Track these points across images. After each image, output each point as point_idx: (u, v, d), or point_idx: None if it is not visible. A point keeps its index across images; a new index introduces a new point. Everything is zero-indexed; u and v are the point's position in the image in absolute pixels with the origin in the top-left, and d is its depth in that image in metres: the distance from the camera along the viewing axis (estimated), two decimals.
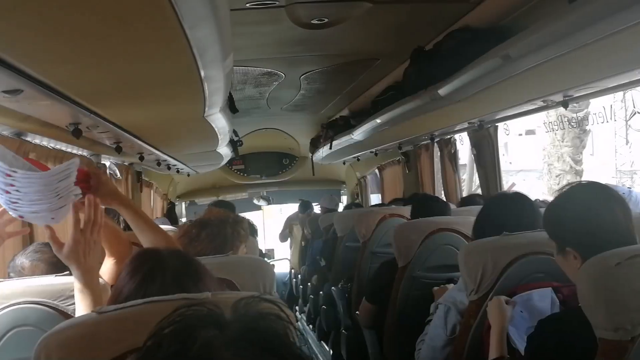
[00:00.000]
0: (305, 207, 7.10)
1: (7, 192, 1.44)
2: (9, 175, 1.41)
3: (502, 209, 2.20)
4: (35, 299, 1.68)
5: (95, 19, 1.17)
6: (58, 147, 3.08)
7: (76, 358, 1.01)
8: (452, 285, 2.46)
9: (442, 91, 2.55)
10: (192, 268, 1.21)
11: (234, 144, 5.17)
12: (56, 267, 1.83)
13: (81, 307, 1.51)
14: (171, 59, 1.49)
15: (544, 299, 1.78)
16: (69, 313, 1.67)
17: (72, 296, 1.69)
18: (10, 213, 1.52)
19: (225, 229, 1.92)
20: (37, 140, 2.78)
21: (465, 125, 3.69)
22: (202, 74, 1.63)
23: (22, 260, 1.84)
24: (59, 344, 1.01)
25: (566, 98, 2.58)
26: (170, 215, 6.55)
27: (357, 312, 3.48)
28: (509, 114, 3.19)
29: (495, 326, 1.77)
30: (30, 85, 1.56)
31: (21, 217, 1.53)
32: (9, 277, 1.81)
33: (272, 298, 0.72)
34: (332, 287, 4.19)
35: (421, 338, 2.33)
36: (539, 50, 1.73)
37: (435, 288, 2.55)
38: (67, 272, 1.84)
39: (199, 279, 1.19)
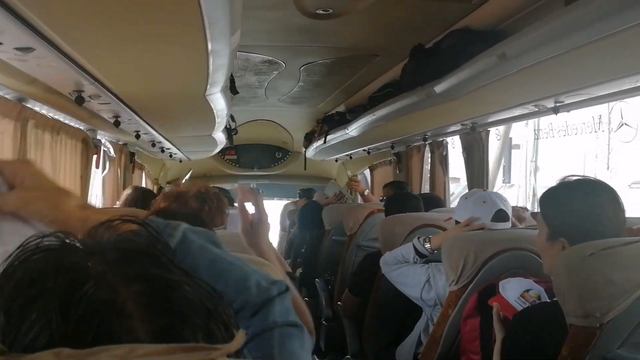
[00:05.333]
0: (307, 194, 7.17)
1: None
2: None
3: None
4: None
5: None
6: (57, 117, 3.12)
7: None
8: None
9: (437, 88, 2.61)
10: None
11: (229, 131, 5.21)
12: None
13: None
14: (180, 28, 1.53)
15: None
16: None
17: None
18: None
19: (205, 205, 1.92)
20: (37, 107, 2.82)
21: (458, 127, 3.76)
22: (209, 46, 1.68)
23: None
24: None
25: (557, 104, 2.65)
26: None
27: (339, 303, 3.55)
28: (501, 117, 3.26)
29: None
30: (43, 44, 1.60)
31: None
32: None
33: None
34: (316, 279, 4.25)
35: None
36: (534, 50, 1.80)
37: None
38: None
39: None
